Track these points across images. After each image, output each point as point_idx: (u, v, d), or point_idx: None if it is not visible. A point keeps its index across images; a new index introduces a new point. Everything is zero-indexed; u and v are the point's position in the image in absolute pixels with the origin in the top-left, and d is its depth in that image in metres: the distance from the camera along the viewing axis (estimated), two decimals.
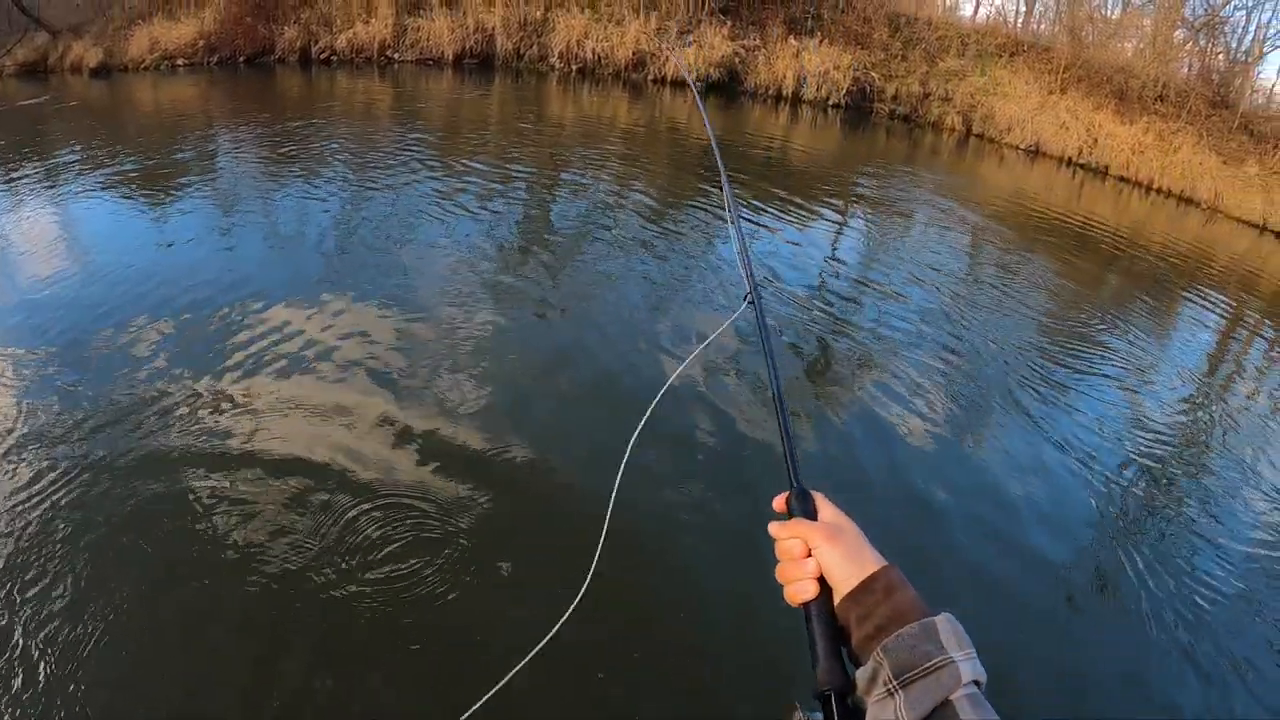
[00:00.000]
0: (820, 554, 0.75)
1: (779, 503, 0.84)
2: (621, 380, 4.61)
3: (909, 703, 0.63)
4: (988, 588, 3.42)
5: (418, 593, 2.90)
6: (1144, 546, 3.96)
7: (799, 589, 0.75)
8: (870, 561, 0.74)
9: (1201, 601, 3.61)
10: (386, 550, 3.08)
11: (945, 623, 0.67)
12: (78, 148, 9.11)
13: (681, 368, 4.00)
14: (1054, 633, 3.31)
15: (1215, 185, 14.05)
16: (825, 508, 0.82)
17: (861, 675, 0.68)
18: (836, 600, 0.73)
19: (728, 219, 1.52)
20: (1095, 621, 3.44)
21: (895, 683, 0.64)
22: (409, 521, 3.24)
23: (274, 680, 2.54)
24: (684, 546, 3.37)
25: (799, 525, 0.79)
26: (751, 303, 1.23)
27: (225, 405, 3.92)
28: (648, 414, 1.27)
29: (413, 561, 3.02)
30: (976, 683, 0.65)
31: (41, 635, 2.62)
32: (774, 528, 0.80)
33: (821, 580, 0.75)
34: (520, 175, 9.10)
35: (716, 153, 1.83)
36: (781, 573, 0.77)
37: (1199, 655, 3.28)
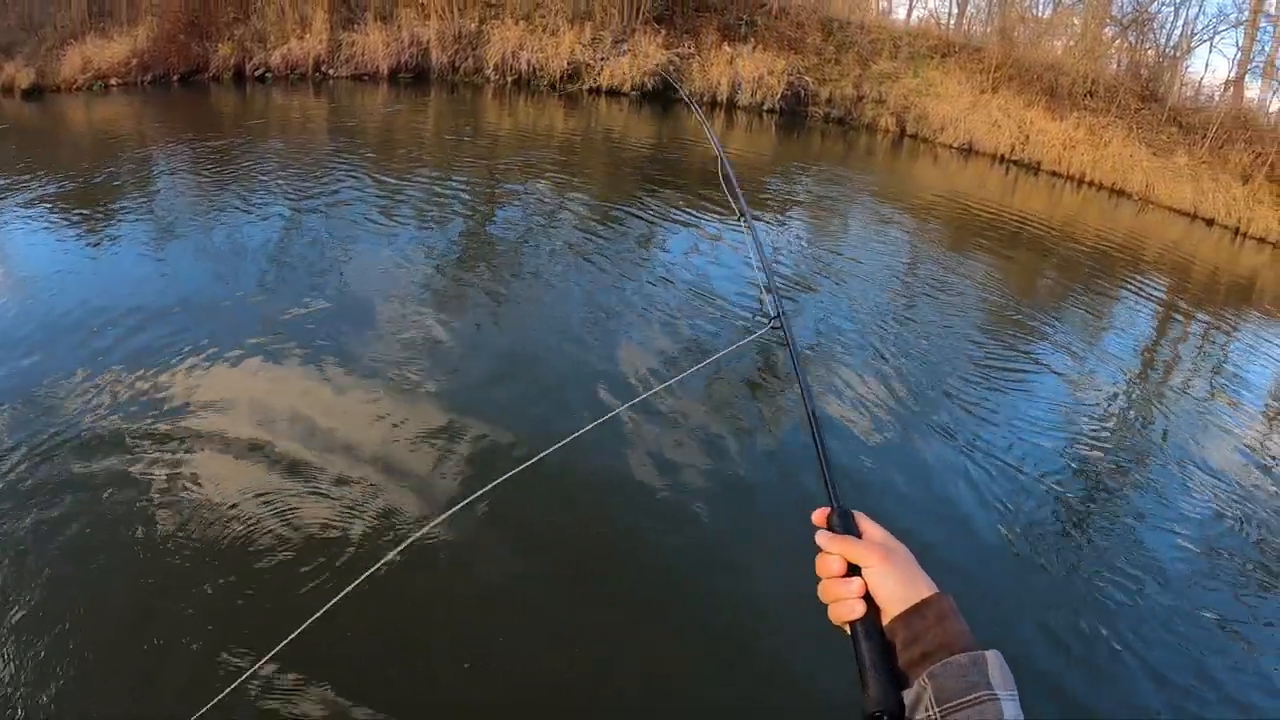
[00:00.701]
0: (872, 574, 0.74)
1: (819, 517, 0.82)
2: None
3: None
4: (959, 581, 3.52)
5: (366, 587, 3.03)
6: (1093, 527, 4.16)
7: (847, 608, 0.73)
8: (923, 586, 0.73)
9: (1147, 582, 3.76)
10: (333, 543, 3.15)
11: (995, 659, 0.66)
12: (6, 172, 9.02)
13: (675, 379, 4.39)
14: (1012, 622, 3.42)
15: (1146, 177, 14.16)
16: (871, 527, 0.80)
17: (905, 697, 0.68)
18: (885, 621, 0.72)
19: (746, 238, 1.59)
20: (1051, 610, 3.54)
21: (937, 709, 0.64)
22: (354, 514, 3.34)
23: (221, 673, 2.60)
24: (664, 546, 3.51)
25: (848, 542, 0.77)
26: (776, 327, 1.19)
27: (166, 406, 4.07)
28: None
29: (360, 552, 3.11)
30: None
31: None
32: (823, 539, 0.78)
33: (867, 598, 0.73)
34: (458, 188, 9.08)
35: (737, 190, 1.84)
36: (825, 591, 0.76)
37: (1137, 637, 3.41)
